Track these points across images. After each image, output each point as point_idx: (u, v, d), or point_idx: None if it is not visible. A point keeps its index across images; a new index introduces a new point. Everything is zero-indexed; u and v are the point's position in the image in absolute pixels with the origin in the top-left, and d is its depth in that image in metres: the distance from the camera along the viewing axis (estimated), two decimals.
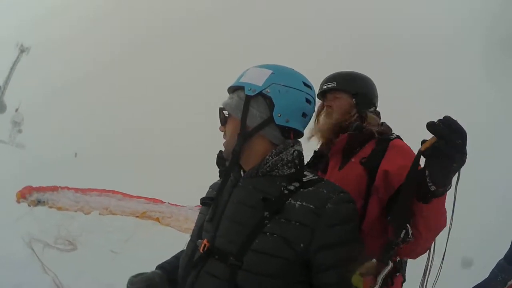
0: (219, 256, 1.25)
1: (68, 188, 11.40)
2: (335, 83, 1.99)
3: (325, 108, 2.06)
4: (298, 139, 1.45)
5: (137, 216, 8.67)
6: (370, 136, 1.85)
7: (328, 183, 1.32)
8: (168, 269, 1.51)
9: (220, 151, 1.45)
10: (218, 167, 1.44)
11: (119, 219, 8.75)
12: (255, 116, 1.37)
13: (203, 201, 1.50)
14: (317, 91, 1.81)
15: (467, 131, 1.11)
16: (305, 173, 1.36)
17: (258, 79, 1.38)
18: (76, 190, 11.55)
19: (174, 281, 1.44)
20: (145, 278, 1.39)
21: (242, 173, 1.41)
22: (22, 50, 30.10)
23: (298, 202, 1.23)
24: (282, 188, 1.28)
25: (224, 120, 1.43)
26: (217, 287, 1.22)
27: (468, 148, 1.13)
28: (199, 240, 1.34)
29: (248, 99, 1.37)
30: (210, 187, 1.61)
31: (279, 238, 1.19)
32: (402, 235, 1.24)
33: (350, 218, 1.25)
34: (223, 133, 1.44)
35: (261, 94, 1.36)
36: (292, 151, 1.36)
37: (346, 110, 1.96)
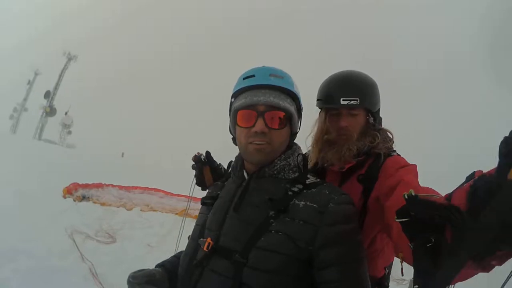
0: (223, 253, 1.26)
1: (112, 186, 11.91)
2: (358, 99, 1.65)
3: (336, 126, 1.71)
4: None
5: (176, 214, 8.82)
6: (375, 157, 1.66)
7: (330, 185, 1.34)
8: (169, 267, 1.53)
9: (234, 160, 1.53)
10: (232, 170, 1.53)
11: (159, 215, 8.92)
12: (297, 131, 1.49)
13: (204, 201, 1.52)
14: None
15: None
16: (308, 175, 1.40)
17: (298, 92, 1.45)
18: (120, 187, 12.05)
19: (173, 280, 1.46)
20: (146, 273, 1.42)
21: (245, 173, 1.43)
22: (70, 58, 32.55)
23: (302, 202, 1.26)
24: (287, 190, 1.32)
25: (276, 120, 1.35)
26: (221, 284, 1.22)
27: None
28: (202, 239, 1.36)
29: (301, 114, 1.47)
30: (210, 188, 1.65)
31: (284, 236, 1.21)
32: None
33: (351, 218, 1.27)
34: (259, 131, 1.33)
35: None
36: (297, 156, 1.43)
37: (362, 130, 1.71)
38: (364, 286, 1.23)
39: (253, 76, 1.39)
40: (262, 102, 1.33)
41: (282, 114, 1.34)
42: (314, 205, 1.24)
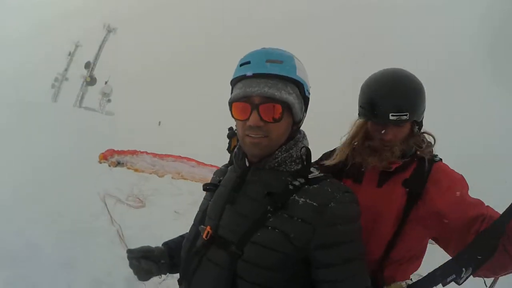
0: (221, 244, 1.25)
1: (146, 153, 12.25)
2: (408, 114, 1.49)
3: (380, 136, 1.58)
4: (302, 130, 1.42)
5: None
6: (419, 161, 1.58)
7: (333, 182, 1.26)
8: (172, 247, 1.54)
9: (237, 147, 1.42)
10: (232, 155, 1.46)
11: (188, 184, 9.11)
12: (302, 120, 1.37)
13: (206, 188, 1.48)
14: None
15: None
16: (311, 169, 1.30)
17: (306, 78, 1.32)
18: (154, 155, 12.35)
19: (175, 259, 1.49)
20: (144, 249, 1.45)
21: (246, 162, 1.35)
22: (109, 30, 33.41)
23: (302, 199, 1.20)
24: (287, 183, 1.24)
25: (271, 113, 1.22)
26: (218, 274, 1.21)
27: None
28: (202, 226, 1.35)
29: (307, 102, 1.35)
30: (214, 174, 1.58)
31: (280, 233, 1.16)
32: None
33: (352, 218, 1.22)
34: (254, 126, 1.23)
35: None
36: (300, 147, 1.33)
37: (405, 138, 1.59)
38: (364, 280, 1.21)
39: (249, 62, 1.26)
40: (256, 93, 1.21)
41: (278, 106, 1.22)
42: (314, 204, 1.17)
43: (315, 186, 1.22)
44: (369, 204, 1.47)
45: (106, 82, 30.59)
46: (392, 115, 1.48)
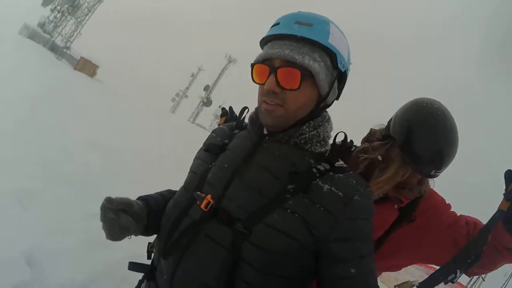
0: (224, 218, 1.06)
1: None
2: (442, 169, 1.50)
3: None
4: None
5: None
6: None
7: (356, 175, 1.13)
8: (151, 205, 1.29)
9: (254, 112, 1.23)
10: (250, 123, 1.23)
11: None
12: (332, 95, 1.18)
13: (209, 148, 1.27)
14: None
15: None
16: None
17: (344, 50, 1.15)
18: None
19: (152, 219, 1.25)
20: (125, 201, 1.17)
21: (265, 131, 1.19)
22: (230, 61, 38.90)
23: (326, 186, 1.06)
24: (311, 165, 1.10)
25: (289, 79, 1.08)
26: (215, 253, 1.03)
27: None
28: (198, 193, 1.12)
29: (339, 75, 1.16)
30: (214, 132, 1.37)
31: (299, 218, 1.02)
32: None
33: (372, 214, 1.12)
34: (269, 90, 1.09)
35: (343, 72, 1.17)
36: (329, 128, 1.19)
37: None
38: (374, 279, 1.11)
39: (278, 24, 1.15)
40: (275, 55, 1.08)
41: (297, 72, 1.07)
42: (340, 194, 1.05)
43: (341, 175, 1.10)
44: None
45: (220, 106, 33.48)
46: (435, 172, 1.50)
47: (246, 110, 1.34)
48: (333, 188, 1.05)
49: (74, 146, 5.90)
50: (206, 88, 37.62)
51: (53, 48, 29.00)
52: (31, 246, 2.66)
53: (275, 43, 1.11)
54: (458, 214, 1.65)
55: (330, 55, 1.11)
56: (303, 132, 1.13)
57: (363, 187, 1.09)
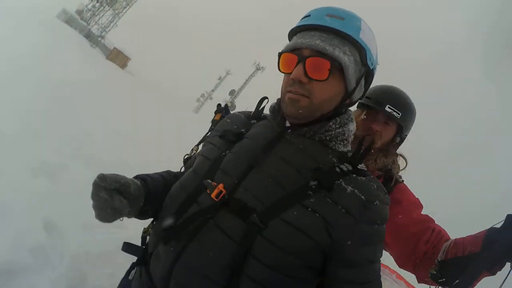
0: (237, 209, 0.99)
1: None
2: (400, 114, 1.71)
3: (367, 126, 1.74)
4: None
5: None
6: (386, 177, 1.72)
7: (377, 181, 1.10)
8: (150, 187, 1.18)
9: (277, 102, 1.19)
10: (272, 113, 1.20)
11: None
12: (358, 93, 1.15)
13: (225, 134, 1.19)
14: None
15: None
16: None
17: (373, 48, 1.13)
18: None
19: (151, 202, 1.15)
20: (120, 179, 1.04)
21: (287, 123, 1.15)
22: (258, 68, 39.84)
23: (350, 187, 1.02)
24: (334, 164, 1.07)
25: (318, 69, 1.04)
26: (224, 246, 0.96)
27: None
28: (209, 181, 1.05)
29: (367, 73, 1.13)
30: (229, 118, 1.30)
31: (319, 219, 0.98)
32: None
33: (386, 221, 1.09)
34: (295, 79, 1.05)
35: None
36: (352, 127, 1.16)
37: (386, 145, 1.76)
38: (380, 284, 1.11)
39: (309, 16, 1.12)
40: (305, 45, 1.05)
41: (326, 62, 1.03)
42: (362, 197, 1.01)
43: (363, 178, 1.06)
44: None
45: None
46: (389, 107, 1.69)
47: (266, 100, 1.28)
48: (356, 191, 1.02)
49: (99, 131, 6.15)
50: (232, 92, 38.23)
51: (88, 35, 29.81)
52: (51, 214, 2.78)
53: (305, 34, 1.08)
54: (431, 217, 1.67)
55: (360, 50, 1.08)
56: (330, 128, 1.10)
57: (383, 193, 1.07)
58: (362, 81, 1.14)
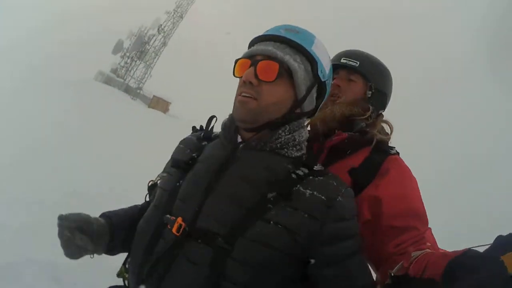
0: (203, 237, 0.99)
1: None
2: (358, 63, 1.54)
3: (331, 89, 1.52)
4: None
5: None
6: (368, 143, 1.42)
7: (335, 176, 1.11)
8: (115, 223, 1.23)
9: (227, 118, 1.21)
10: (207, 128, 1.28)
11: None
12: (309, 103, 1.17)
13: (176, 164, 1.20)
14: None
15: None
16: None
17: (326, 62, 1.18)
18: None
19: (118, 237, 1.22)
20: (82, 218, 1.13)
21: (239, 138, 1.16)
22: None
23: (308, 191, 1.03)
24: (289, 171, 1.07)
25: (267, 71, 1.09)
26: (198, 277, 0.97)
27: None
28: (168, 216, 1.05)
29: (317, 83, 1.17)
30: (182, 143, 1.32)
31: (283, 230, 0.98)
32: None
33: (356, 213, 1.11)
34: (246, 81, 1.09)
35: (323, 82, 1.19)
36: (304, 133, 1.17)
37: (356, 100, 1.52)
38: (368, 273, 1.11)
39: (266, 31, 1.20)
40: (259, 51, 1.11)
41: (275, 64, 1.08)
42: (322, 197, 1.02)
43: (321, 178, 1.07)
44: None
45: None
46: (343, 59, 1.56)
47: (214, 119, 1.32)
48: (315, 193, 1.02)
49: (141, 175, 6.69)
50: None
51: (127, 90, 31.79)
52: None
53: (261, 43, 1.15)
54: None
55: (312, 62, 1.13)
56: (279, 136, 1.11)
57: (344, 187, 1.07)
58: (314, 93, 1.18)
